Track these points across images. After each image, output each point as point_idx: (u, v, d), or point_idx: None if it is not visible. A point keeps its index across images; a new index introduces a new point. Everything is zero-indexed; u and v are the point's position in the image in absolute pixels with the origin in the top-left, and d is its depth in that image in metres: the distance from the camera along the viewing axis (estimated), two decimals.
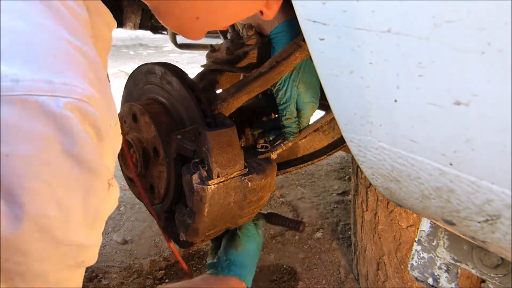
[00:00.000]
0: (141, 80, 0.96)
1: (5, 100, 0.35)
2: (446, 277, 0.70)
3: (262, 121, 1.10)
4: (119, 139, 0.51)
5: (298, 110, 0.96)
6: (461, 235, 0.53)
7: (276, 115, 1.10)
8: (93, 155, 0.42)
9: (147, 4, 0.62)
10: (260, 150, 0.93)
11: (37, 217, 0.38)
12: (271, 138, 1.00)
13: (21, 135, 0.36)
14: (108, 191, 0.45)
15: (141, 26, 2.10)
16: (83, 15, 0.48)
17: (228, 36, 1.02)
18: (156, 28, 2.32)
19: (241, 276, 0.88)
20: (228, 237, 0.95)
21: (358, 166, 1.48)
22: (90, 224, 0.44)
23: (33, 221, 0.38)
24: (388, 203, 1.44)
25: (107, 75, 0.51)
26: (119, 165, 1.00)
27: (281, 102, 0.94)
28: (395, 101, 0.46)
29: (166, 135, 0.85)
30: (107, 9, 0.55)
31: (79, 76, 0.41)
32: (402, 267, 1.49)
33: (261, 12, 0.69)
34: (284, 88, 0.93)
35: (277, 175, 0.94)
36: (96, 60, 0.46)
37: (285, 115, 0.95)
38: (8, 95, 0.35)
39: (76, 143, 0.39)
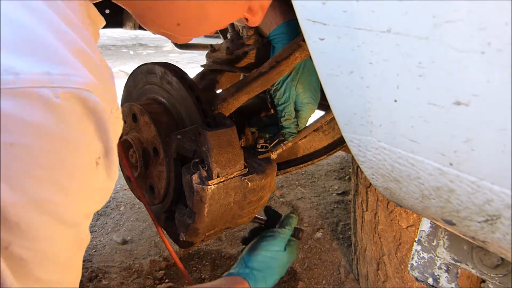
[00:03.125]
0: (141, 80, 0.96)
1: (6, 93, 0.37)
2: (446, 277, 0.70)
3: (259, 118, 1.09)
4: (120, 124, 0.54)
5: (296, 111, 0.96)
6: (461, 235, 0.53)
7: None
8: (86, 139, 0.44)
9: (130, 12, 0.62)
10: (260, 150, 0.93)
11: (42, 202, 0.41)
12: (267, 135, 1.00)
13: (22, 125, 0.38)
14: (96, 168, 0.47)
15: (141, 26, 2.10)
16: (78, 10, 0.49)
17: (228, 36, 1.02)
18: None
19: (244, 275, 0.88)
20: (255, 241, 0.95)
21: (358, 166, 1.48)
22: (87, 202, 0.47)
23: (39, 206, 0.40)
24: (388, 203, 1.44)
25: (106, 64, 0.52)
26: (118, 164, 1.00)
27: (280, 103, 0.94)
28: (395, 101, 0.46)
29: (166, 135, 0.85)
30: (95, 8, 0.56)
31: (78, 65, 0.43)
32: (402, 267, 1.49)
33: (246, 19, 0.69)
34: (282, 88, 0.93)
35: (277, 175, 0.94)
36: (93, 48, 0.47)
37: (284, 115, 0.94)
38: (9, 87, 0.37)
39: (72, 130, 0.42)
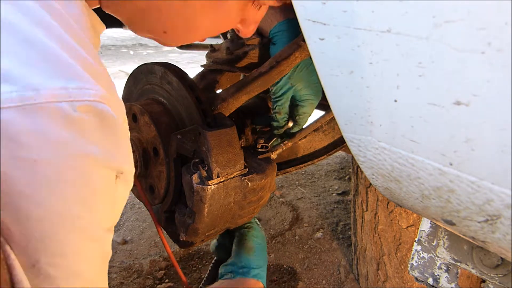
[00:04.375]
0: (141, 80, 0.96)
1: (27, 109, 0.38)
2: (446, 277, 0.70)
3: (265, 117, 1.10)
4: (129, 133, 0.55)
5: (296, 106, 0.97)
6: (461, 235, 0.53)
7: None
8: (105, 153, 0.44)
9: (118, 17, 0.61)
10: (260, 150, 0.93)
11: (68, 217, 0.41)
12: (264, 130, 1.02)
13: (45, 141, 0.39)
14: (115, 182, 0.48)
15: None
16: (81, 19, 0.49)
17: (228, 36, 1.02)
18: None
19: (257, 277, 0.91)
20: (238, 241, 0.97)
21: (358, 166, 1.48)
22: (110, 216, 0.48)
23: (63, 221, 0.41)
24: (388, 203, 1.45)
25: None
26: None
27: (274, 97, 0.95)
28: (395, 101, 0.46)
29: (166, 135, 0.85)
30: (95, 14, 0.56)
31: (89, 78, 0.43)
32: (402, 267, 1.49)
33: (238, 30, 0.69)
34: (279, 83, 0.93)
35: (277, 175, 0.94)
36: (95, 59, 0.48)
37: (275, 108, 0.96)
38: (30, 104, 0.38)
39: (91, 144, 0.42)
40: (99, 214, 0.45)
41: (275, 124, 0.98)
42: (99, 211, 0.45)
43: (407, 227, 1.42)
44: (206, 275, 1.04)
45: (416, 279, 0.74)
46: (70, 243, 0.42)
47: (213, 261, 1.06)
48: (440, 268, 0.70)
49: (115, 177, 0.47)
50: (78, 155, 0.41)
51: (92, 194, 0.43)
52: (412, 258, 0.74)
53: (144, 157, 0.89)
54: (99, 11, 0.58)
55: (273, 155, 0.94)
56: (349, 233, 2.06)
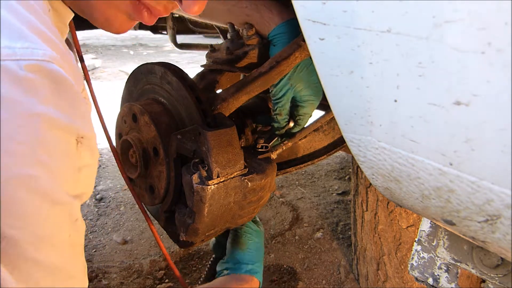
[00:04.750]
0: (141, 80, 0.96)
1: None
2: (446, 277, 0.70)
3: (268, 116, 1.10)
4: (90, 105, 0.54)
5: (297, 106, 0.97)
6: (461, 235, 0.53)
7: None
8: (59, 114, 0.43)
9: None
10: (260, 150, 0.93)
11: (22, 177, 0.40)
12: (263, 128, 1.02)
13: None
14: (77, 147, 0.46)
15: (141, 26, 2.10)
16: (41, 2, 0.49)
17: (228, 36, 1.02)
18: (156, 28, 2.33)
19: (251, 272, 0.93)
20: (232, 237, 0.98)
21: (358, 166, 1.48)
22: (74, 181, 0.46)
23: (19, 182, 0.40)
24: (388, 203, 1.45)
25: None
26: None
27: (274, 98, 0.95)
28: (395, 101, 0.46)
29: (166, 135, 0.85)
30: (60, 1, 0.55)
31: (37, 40, 0.43)
32: (402, 267, 1.49)
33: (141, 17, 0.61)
34: (279, 85, 0.93)
35: (277, 175, 0.94)
36: (52, 32, 0.47)
37: (276, 110, 0.96)
38: None
39: (42, 104, 0.41)
40: (60, 176, 0.44)
41: (276, 125, 0.98)
42: (58, 172, 0.44)
43: (407, 227, 1.42)
44: (205, 272, 1.05)
45: (416, 279, 0.74)
46: (29, 204, 0.41)
47: (211, 258, 1.07)
48: (440, 268, 0.70)
49: (76, 141, 0.46)
50: (29, 115, 0.40)
51: (48, 154, 0.42)
52: (412, 258, 0.74)
53: (144, 157, 0.89)
54: None
55: (273, 155, 0.94)
56: (349, 233, 2.06)
